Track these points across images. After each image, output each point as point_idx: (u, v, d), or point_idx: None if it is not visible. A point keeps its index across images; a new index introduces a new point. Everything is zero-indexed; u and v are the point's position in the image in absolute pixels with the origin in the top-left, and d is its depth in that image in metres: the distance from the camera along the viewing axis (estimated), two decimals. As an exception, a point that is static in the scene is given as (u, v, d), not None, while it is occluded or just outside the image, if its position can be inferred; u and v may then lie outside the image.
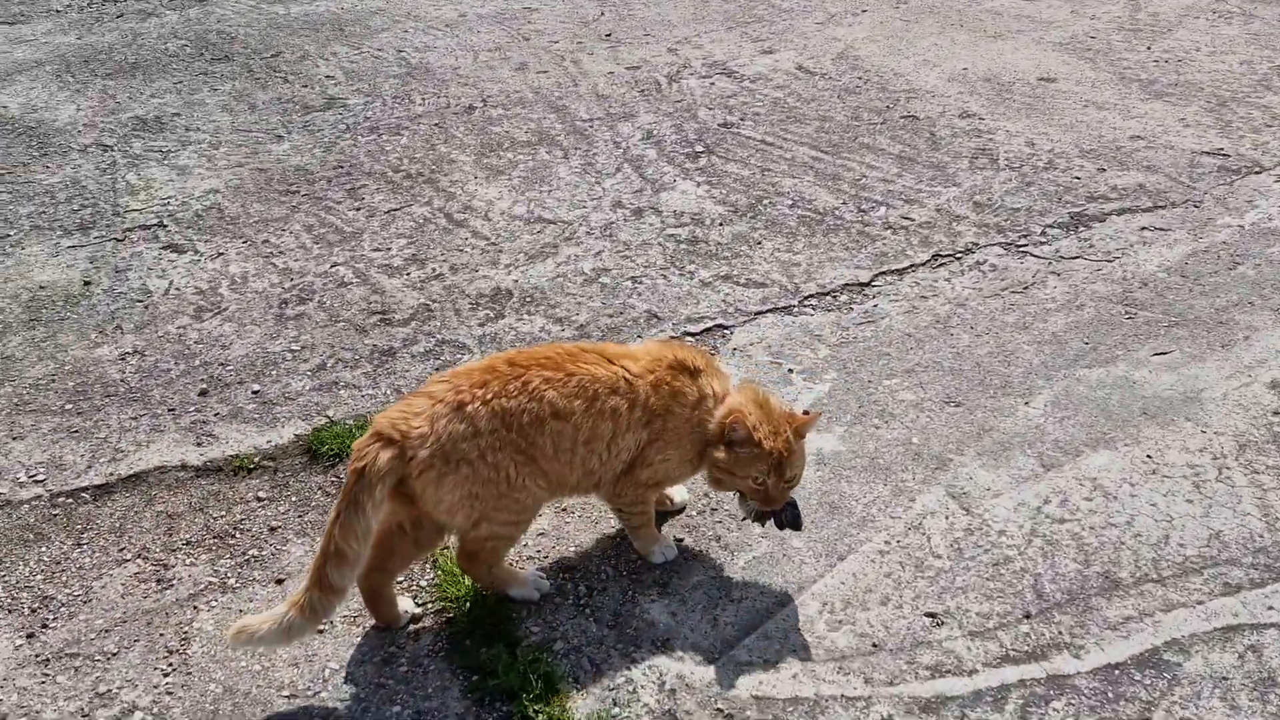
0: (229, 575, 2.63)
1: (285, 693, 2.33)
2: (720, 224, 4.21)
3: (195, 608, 2.54)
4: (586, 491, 2.53)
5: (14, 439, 3.09)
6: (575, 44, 6.15)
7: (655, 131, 5.02)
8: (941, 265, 3.91)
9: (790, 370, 3.35)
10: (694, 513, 2.82)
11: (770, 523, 2.52)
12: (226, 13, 6.75)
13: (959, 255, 3.97)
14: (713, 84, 5.56)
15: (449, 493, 2.29)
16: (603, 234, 4.16)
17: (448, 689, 2.33)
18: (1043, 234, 4.10)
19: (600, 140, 4.94)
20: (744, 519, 2.62)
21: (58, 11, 6.86)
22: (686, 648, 2.42)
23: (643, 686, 2.33)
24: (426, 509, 2.32)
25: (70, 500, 2.86)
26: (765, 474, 2.41)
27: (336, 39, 6.29)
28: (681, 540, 2.73)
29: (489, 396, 2.31)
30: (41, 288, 3.83)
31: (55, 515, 2.81)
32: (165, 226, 4.24)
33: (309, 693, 2.32)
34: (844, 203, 4.35)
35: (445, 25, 6.48)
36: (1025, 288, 3.77)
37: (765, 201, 4.37)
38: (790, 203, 4.36)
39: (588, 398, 2.38)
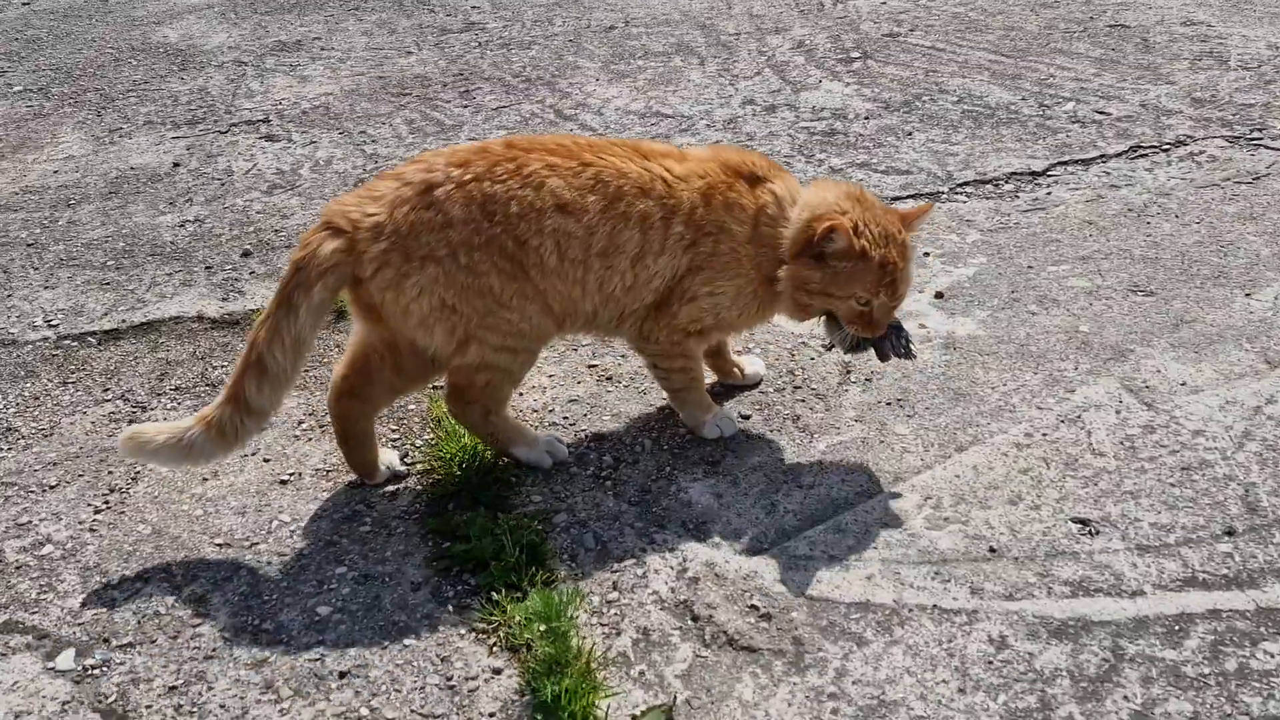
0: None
1: (219, 540, 1.87)
2: (865, 118, 3.55)
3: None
4: (610, 329, 1.94)
5: (46, 288, 2.84)
6: (738, -23, 5.62)
7: (807, 41, 4.42)
8: (1141, 156, 3.10)
9: (927, 254, 2.65)
10: (769, 389, 2.19)
11: (864, 355, 1.86)
12: (395, -33, 6.65)
13: (1165, 147, 3.15)
14: (884, 4, 4.89)
15: (415, 301, 1.76)
16: (725, 126, 3.58)
17: (410, 555, 1.81)
18: (1285, 128, 3.21)
19: (743, 51, 4.38)
20: (831, 347, 1.95)
21: (242, -28, 6.96)
22: (727, 534, 1.80)
23: (656, 571, 1.73)
24: (393, 324, 1.80)
25: (75, 343, 2.55)
26: (873, 293, 1.76)
27: (493, -19, 6.03)
28: (749, 418, 2.11)
29: (468, 178, 1.76)
30: (132, 169, 3.64)
31: (54, 355, 2.51)
32: (269, 121, 4.01)
33: (245, 543, 1.86)
34: (1022, 99, 3.59)
35: (606, -31, 6.11)
36: (1255, 179, 2.91)
37: (924, 98, 3.68)
38: (955, 99, 3.64)
39: (607, 195, 1.80)
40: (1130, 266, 2.52)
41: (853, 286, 1.78)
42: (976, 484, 1.86)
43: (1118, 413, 2.01)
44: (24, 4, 6.42)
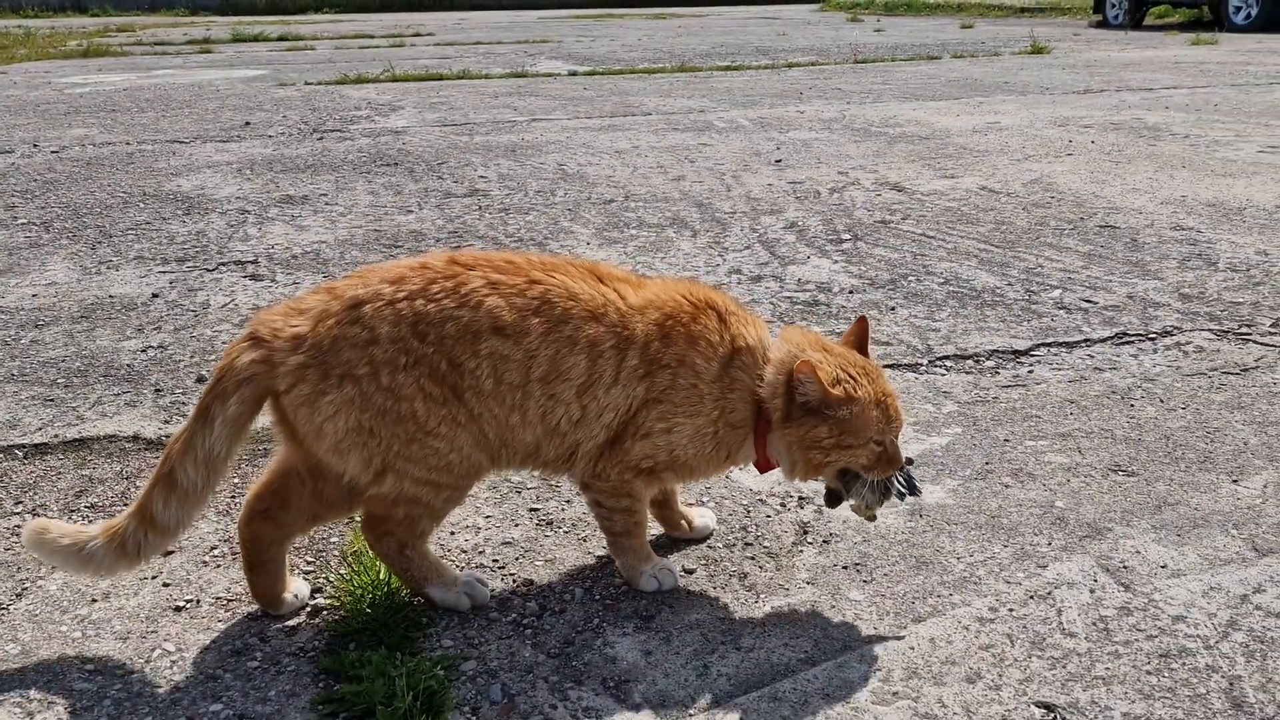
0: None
1: (90, 667, 1.69)
2: (850, 292, 3.53)
3: (52, 568, 1.98)
4: (557, 466, 1.80)
5: (-12, 401, 2.74)
6: (740, 166, 5.80)
7: (800, 223, 4.47)
8: (1127, 343, 3.03)
9: (899, 421, 2.54)
10: (718, 544, 2.04)
11: (878, 507, 1.81)
12: (415, 140, 6.92)
13: (1152, 336, 3.08)
14: (878, 195, 5.00)
15: (330, 420, 1.63)
16: (708, 292, 3.55)
17: (296, 695, 1.62)
18: (1274, 325, 3.16)
19: (736, 227, 4.43)
20: (834, 503, 1.84)
21: (269, 137, 7.26)
22: (650, 695, 1.61)
23: (563, 730, 1.53)
24: (307, 444, 1.68)
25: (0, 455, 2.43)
26: (884, 430, 1.75)
27: (504, 157, 6.25)
28: (692, 572, 1.94)
29: (400, 295, 1.66)
30: (110, 297, 3.63)
31: (-25, 466, 2.38)
32: (257, 263, 4.02)
33: (118, 671, 1.68)
34: (1009, 284, 3.57)
35: (616, 152, 6.34)
36: (1244, 370, 2.83)
37: (910, 278, 3.66)
38: (941, 280, 3.63)
39: (552, 317, 1.70)
40: (1112, 446, 2.40)
41: (867, 431, 1.74)
42: (932, 658, 1.68)
43: (1092, 592, 1.85)
44: (53, 152, 6.65)
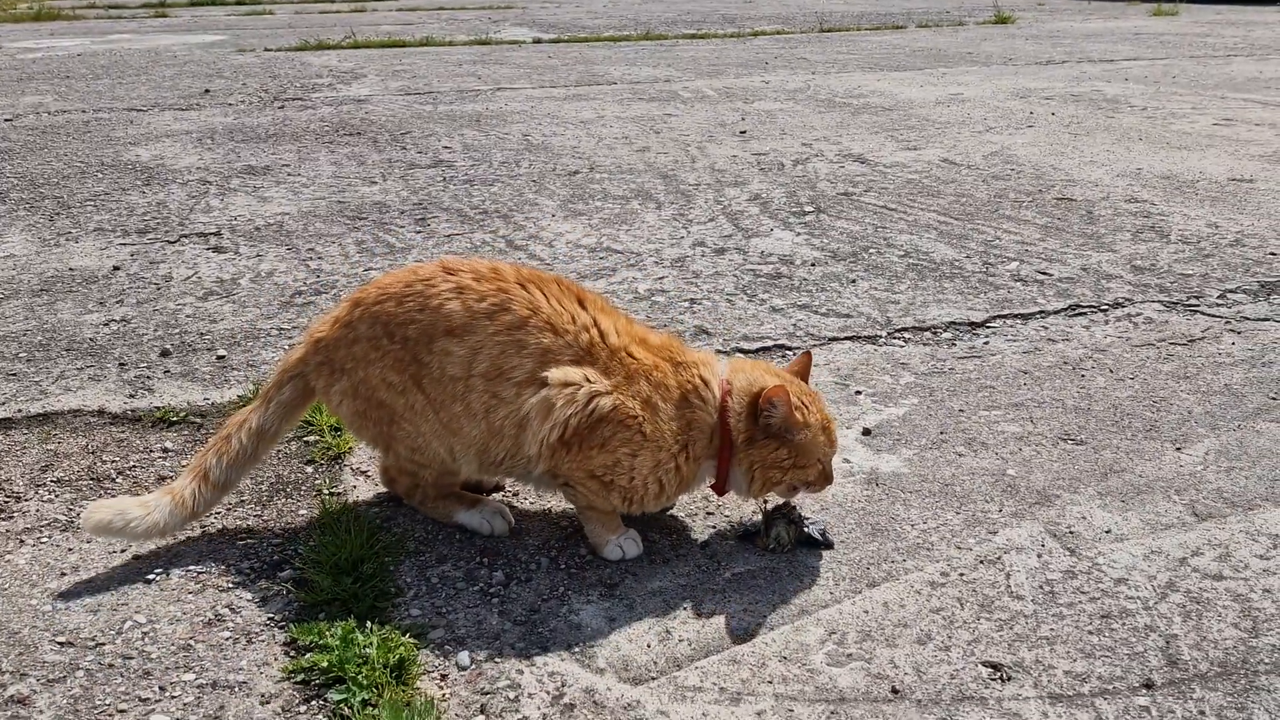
0: (80, 516, 2.08)
1: (62, 639, 1.71)
2: (811, 265, 3.57)
3: (21, 541, 1.99)
4: (511, 467, 1.89)
5: (-51, 376, 2.72)
6: (705, 137, 5.82)
7: (764, 195, 4.51)
8: (1080, 315, 3.11)
9: (858, 392, 2.61)
10: (680, 513, 2.09)
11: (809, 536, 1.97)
12: (378, 109, 6.87)
13: (1104, 308, 3.16)
14: (841, 168, 5.04)
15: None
16: (673, 265, 3.60)
17: (267, 664, 1.65)
18: (1221, 297, 3.25)
19: (700, 199, 4.46)
20: (772, 547, 1.95)
21: (229, 105, 7.16)
22: (614, 660, 1.66)
23: (530, 695, 1.58)
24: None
25: (-37, 430, 2.43)
26: (827, 453, 1.90)
27: (469, 126, 6.22)
28: (656, 541, 1.99)
29: (382, 297, 1.84)
30: (70, 270, 3.60)
31: (-62, 442, 2.37)
32: (220, 235, 4.00)
33: (91, 642, 1.70)
34: (967, 257, 3.64)
35: (581, 122, 6.33)
36: (1191, 341, 2.91)
37: (871, 250, 3.72)
38: (902, 253, 3.69)
39: (505, 324, 1.78)
40: (1062, 416, 2.48)
41: (816, 452, 1.87)
42: (885, 621, 1.74)
43: (1039, 556, 1.92)
44: (6, 120, 6.53)
